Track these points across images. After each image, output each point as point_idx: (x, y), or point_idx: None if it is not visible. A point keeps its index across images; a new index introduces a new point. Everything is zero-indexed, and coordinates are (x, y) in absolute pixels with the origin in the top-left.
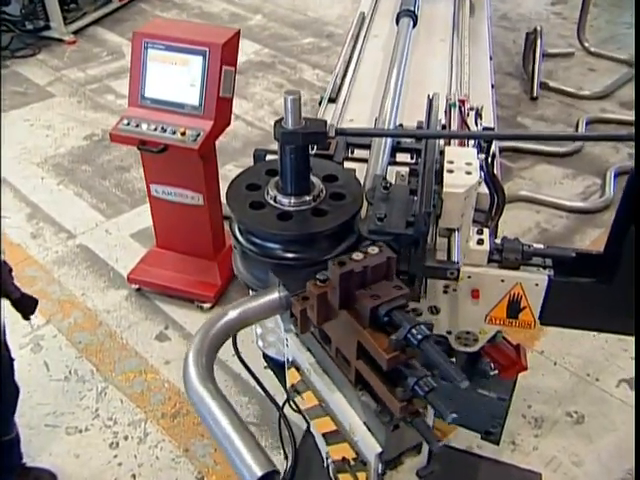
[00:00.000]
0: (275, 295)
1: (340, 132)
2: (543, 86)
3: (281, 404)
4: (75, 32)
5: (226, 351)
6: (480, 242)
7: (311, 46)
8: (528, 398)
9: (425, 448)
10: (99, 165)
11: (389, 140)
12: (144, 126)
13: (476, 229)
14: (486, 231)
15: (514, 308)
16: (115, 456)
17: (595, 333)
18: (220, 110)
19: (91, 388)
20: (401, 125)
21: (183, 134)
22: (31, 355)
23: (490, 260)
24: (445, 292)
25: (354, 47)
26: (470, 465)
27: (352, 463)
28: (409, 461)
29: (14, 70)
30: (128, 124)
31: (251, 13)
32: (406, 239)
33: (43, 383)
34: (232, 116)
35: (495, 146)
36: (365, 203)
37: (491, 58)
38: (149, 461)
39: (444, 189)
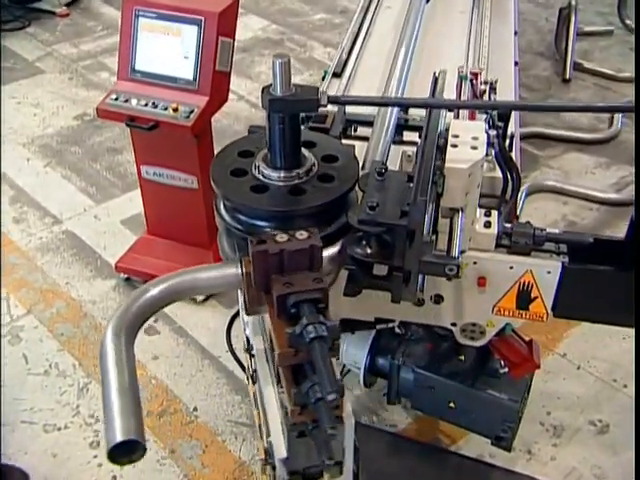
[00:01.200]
0: (233, 270)
1: (333, 100)
2: (577, 67)
3: None
4: (68, 4)
5: (219, 347)
6: (487, 225)
7: (323, 22)
8: (547, 404)
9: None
10: (89, 147)
11: (394, 117)
12: (133, 101)
13: (484, 211)
14: (494, 213)
15: (524, 298)
16: (95, 456)
17: (624, 335)
18: (216, 85)
19: (72, 383)
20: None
21: (175, 110)
22: (9, 347)
23: (498, 245)
24: (449, 279)
25: (364, 19)
26: (481, 475)
27: (266, 465)
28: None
29: (1, 44)
30: (116, 99)
31: None
32: (400, 231)
33: (21, 377)
34: (235, 96)
35: (515, 126)
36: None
37: (516, 33)
38: None
39: (446, 164)
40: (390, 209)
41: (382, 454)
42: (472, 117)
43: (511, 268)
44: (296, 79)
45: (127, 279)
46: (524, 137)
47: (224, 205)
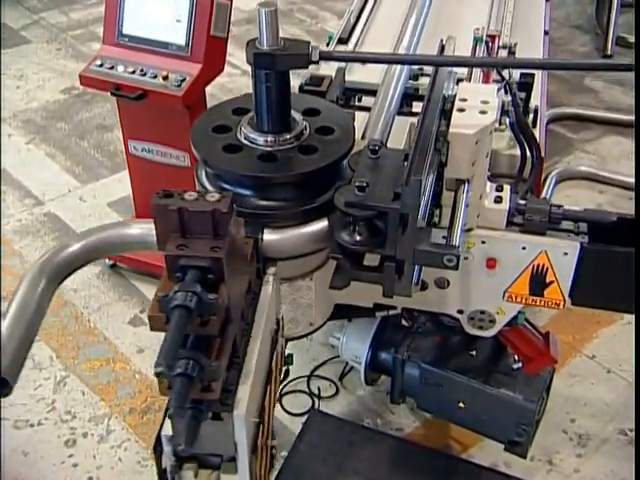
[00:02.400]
0: None
1: (326, 56)
2: (620, 42)
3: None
4: None
5: None
6: (498, 200)
7: None
8: (572, 410)
9: None
10: (77, 123)
11: (400, 85)
12: (120, 68)
13: (495, 185)
14: (507, 188)
15: (538, 282)
16: (70, 455)
17: None
18: (211, 52)
19: (48, 377)
20: (421, 69)
21: (165, 78)
22: None
23: (510, 223)
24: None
25: None
26: None
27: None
28: None
29: None
30: (101, 65)
31: None
32: (392, 215)
33: None
34: (239, 71)
35: (540, 99)
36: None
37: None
38: (110, 463)
39: (450, 129)
40: (382, 191)
41: (385, 460)
42: (486, 82)
43: (524, 249)
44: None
45: (113, 265)
46: (557, 119)
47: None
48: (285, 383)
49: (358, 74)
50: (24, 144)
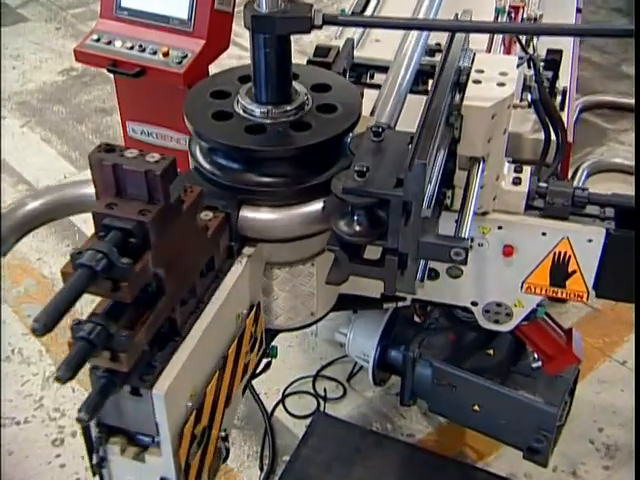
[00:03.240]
0: None
1: (330, 20)
2: None
3: (270, 409)
4: None
5: None
6: (517, 182)
7: None
8: (600, 419)
9: None
10: (75, 106)
11: (413, 61)
12: (117, 43)
13: (514, 166)
14: (527, 169)
15: (560, 272)
16: (58, 455)
17: None
18: (215, 27)
19: (37, 372)
20: (439, 44)
21: (166, 54)
22: None
23: (529, 207)
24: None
25: None
26: None
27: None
28: None
29: None
30: (98, 40)
31: None
32: (394, 203)
33: None
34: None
35: (570, 80)
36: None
37: None
38: None
39: (464, 102)
40: (384, 176)
41: (395, 469)
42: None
43: (544, 235)
44: (322, 36)
45: None
46: (591, 107)
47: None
48: (289, 383)
49: (370, 50)
50: (19, 127)
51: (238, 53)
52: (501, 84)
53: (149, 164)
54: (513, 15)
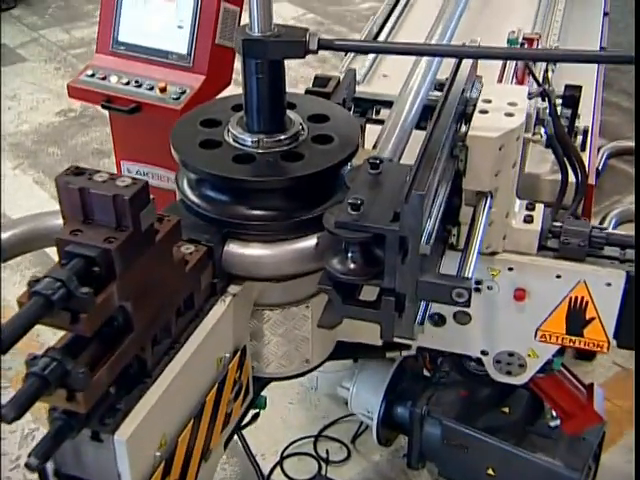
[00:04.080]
0: None
1: (326, 45)
2: None
3: (267, 472)
4: None
5: None
6: (528, 220)
7: (371, 12)
8: None
9: None
10: (71, 147)
11: (420, 96)
12: (113, 78)
13: (525, 203)
14: (540, 207)
15: (577, 319)
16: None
17: None
18: (215, 62)
19: (14, 429)
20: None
21: (163, 90)
22: None
23: (542, 247)
24: (477, 290)
25: None
26: None
27: None
28: None
29: None
30: (93, 75)
31: None
32: (390, 238)
33: None
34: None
35: (592, 119)
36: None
37: (606, 14)
38: None
39: (470, 132)
40: (380, 210)
41: None
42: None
43: (559, 277)
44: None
45: None
46: (619, 153)
47: None
48: (288, 444)
49: (377, 85)
50: (10, 169)
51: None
52: (509, 114)
53: (118, 188)
54: (526, 46)
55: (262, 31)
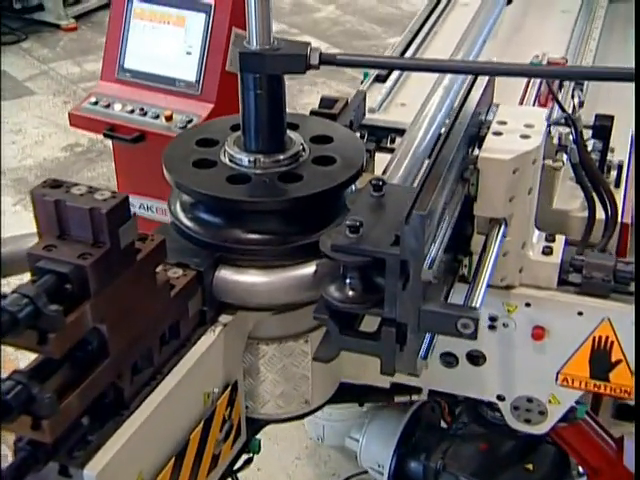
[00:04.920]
0: None
1: (328, 60)
2: None
3: None
4: (77, 17)
5: None
6: (547, 252)
7: None
8: None
9: None
10: None
11: (435, 123)
12: (117, 106)
13: (545, 234)
14: (560, 238)
15: (601, 361)
16: None
17: None
18: (225, 90)
19: None
20: (465, 99)
21: (169, 119)
22: None
23: (563, 282)
24: (492, 328)
25: (429, 16)
26: None
27: None
28: None
29: None
30: (96, 103)
31: (321, 3)
32: (391, 263)
33: None
34: None
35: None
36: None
37: None
38: None
39: (481, 154)
40: (380, 233)
41: None
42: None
43: (580, 314)
44: None
45: None
46: None
47: None
48: None
49: (394, 114)
50: (11, 205)
51: None
52: (525, 136)
53: (96, 201)
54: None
55: (260, 44)
